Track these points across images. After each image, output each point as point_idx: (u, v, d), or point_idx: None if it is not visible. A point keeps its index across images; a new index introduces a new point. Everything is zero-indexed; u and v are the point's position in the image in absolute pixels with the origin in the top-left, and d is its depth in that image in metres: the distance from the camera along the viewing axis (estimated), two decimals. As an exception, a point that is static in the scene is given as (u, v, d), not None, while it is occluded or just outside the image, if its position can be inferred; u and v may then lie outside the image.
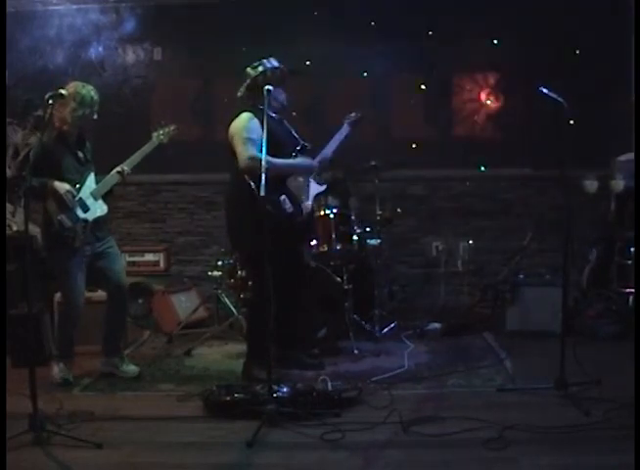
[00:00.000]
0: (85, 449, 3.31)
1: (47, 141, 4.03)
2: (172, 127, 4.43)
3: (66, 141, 4.18)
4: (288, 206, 4.19)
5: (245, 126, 4.17)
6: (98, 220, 4.28)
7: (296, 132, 4.36)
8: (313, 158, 4.43)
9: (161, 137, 4.41)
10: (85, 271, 4.27)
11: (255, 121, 4.14)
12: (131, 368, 4.47)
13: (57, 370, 4.31)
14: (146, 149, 4.37)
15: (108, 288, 4.40)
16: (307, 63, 5.91)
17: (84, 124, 4.21)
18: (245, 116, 4.20)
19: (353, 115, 4.81)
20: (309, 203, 4.37)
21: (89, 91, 4.14)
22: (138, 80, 6.27)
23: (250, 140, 4.13)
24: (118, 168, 4.32)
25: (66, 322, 4.36)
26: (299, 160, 4.24)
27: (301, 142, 4.30)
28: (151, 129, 4.42)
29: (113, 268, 4.38)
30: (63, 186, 4.08)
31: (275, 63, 4.32)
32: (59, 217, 4.10)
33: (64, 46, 6.13)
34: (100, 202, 4.29)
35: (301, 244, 4.36)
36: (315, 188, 4.44)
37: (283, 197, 4.19)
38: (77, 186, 4.18)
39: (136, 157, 4.35)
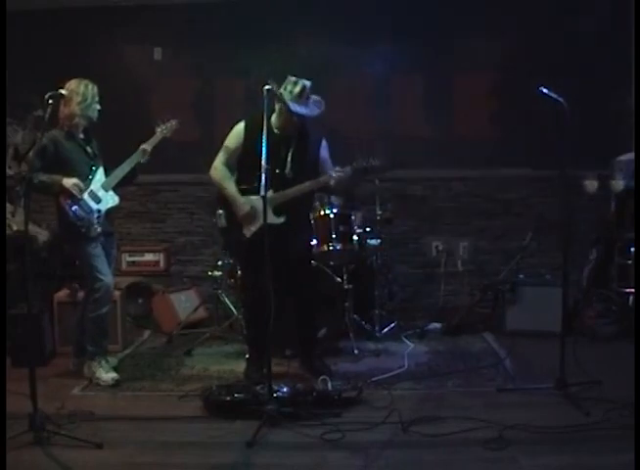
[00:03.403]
0: (85, 449, 3.31)
1: (59, 138, 4.22)
2: (174, 122, 4.52)
3: (75, 137, 4.30)
4: (220, 221, 4.39)
5: (230, 133, 4.30)
6: (110, 211, 4.42)
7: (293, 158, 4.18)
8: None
9: (165, 132, 4.50)
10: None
11: (237, 129, 4.22)
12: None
13: (103, 372, 4.30)
14: (151, 142, 4.46)
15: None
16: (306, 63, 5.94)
17: (92, 117, 4.32)
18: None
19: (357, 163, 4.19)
20: (252, 228, 4.19)
21: (87, 84, 4.29)
22: (138, 80, 6.28)
23: (223, 148, 4.30)
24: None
25: (99, 309, 4.33)
26: (236, 196, 4.19)
27: (285, 171, 4.16)
28: (153, 126, 4.50)
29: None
30: (70, 180, 4.20)
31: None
32: (73, 208, 4.21)
33: (64, 46, 6.13)
34: (111, 193, 4.42)
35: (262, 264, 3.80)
36: (269, 218, 3.99)
37: (220, 211, 4.37)
38: (90, 178, 4.32)
39: (150, 142, 4.47)
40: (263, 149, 3.67)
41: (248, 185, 4.13)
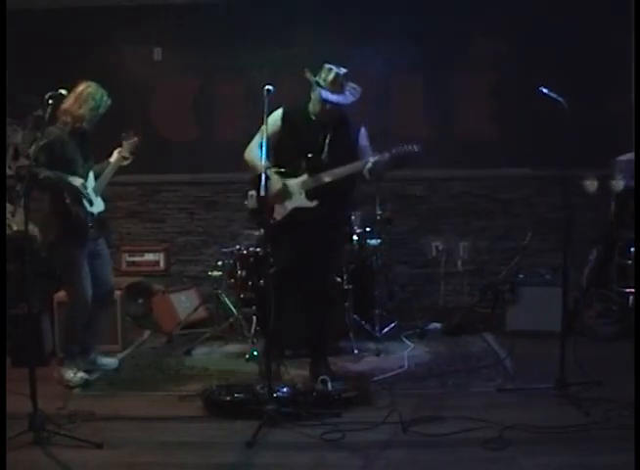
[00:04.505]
0: (85, 449, 3.31)
1: (64, 137, 4.16)
2: (136, 139, 4.45)
3: (77, 138, 4.25)
4: (251, 202, 4.39)
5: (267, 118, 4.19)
6: (99, 216, 4.36)
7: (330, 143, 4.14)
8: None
9: (130, 147, 4.43)
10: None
11: (275, 114, 4.16)
12: (109, 361, 4.57)
13: (71, 374, 4.29)
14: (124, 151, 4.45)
15: (98, 289, 4.42)
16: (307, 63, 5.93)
17: (94, 123, 4.27)
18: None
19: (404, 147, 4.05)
20: (283, 210, 4.14)
21: (104, 94, 4.26)
22: (138, 80, 6.28)
23: (259, 132, 4.18)
24: (124, 153, 4.40)
25: (76, 319, 4.34)
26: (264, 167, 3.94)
27: (322, 156, 4.11)
28: (122, 138, 4.44)
29: (105, 270, 4.49)
30: (77, 180, 4.18)
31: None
32: (75, 208, 4.16)
33: (64, 46, 6.13)
34: (99, 198, 4.37)
35: (291, 246, 4.11)
36: (302, 201, 4.12)
37: (251, 193, 4.38)
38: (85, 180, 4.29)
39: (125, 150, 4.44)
40: (264, 147, 3.69)
41: (285, 168, 4.13)
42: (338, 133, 4.17)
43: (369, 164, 4.05)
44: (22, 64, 6.07)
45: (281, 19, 6.12)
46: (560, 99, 3.89)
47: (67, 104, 4.13)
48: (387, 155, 4.05)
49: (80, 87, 4.19)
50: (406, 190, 6.25)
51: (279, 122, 4.16)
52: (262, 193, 3.62)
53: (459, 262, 6.14)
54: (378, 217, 5.29)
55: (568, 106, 3.86)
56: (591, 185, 5.38)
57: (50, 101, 3.58)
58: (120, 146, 4.42)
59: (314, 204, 4.12)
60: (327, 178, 4.11)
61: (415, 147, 4.07)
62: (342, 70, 4.10)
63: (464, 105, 6.13)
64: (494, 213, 6.23)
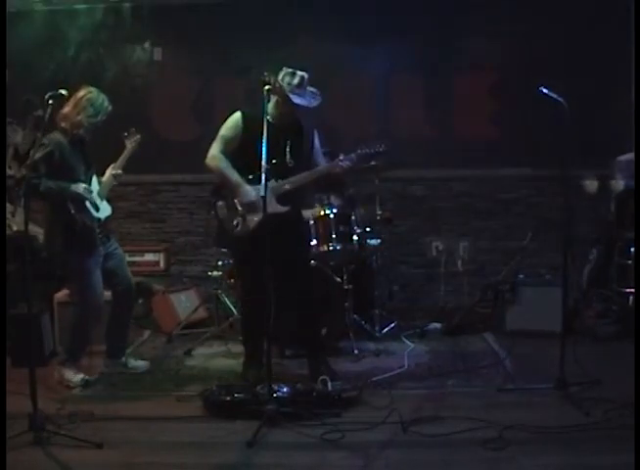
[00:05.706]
0: (85, 449, 3.32)
1: (63, 143, 4.10)
2: (138, 136, 4.47)
3: (76, 145, 4.20)
4: (221, 213, 4.21)
5: (225, 123, 4.19)
6: (107, 220, 4.36)
7: (292, 147, 4.14)
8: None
9: (133, 145, 4.46)
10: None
11: (234, 118, 4.13)
12: (140, 363, 4.56)
13: (72, 374, 4.29)
14: (126, 155, 4.47)
15: (118, 288, 4.45)
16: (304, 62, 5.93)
17: (92, 129, 4.24)
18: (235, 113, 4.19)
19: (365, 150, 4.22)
20: (255, 218, 4.04)
21: (104, 99, 4.22)
22: (138, 80, 6.28)
23: (220, 137, 4.17)
24: (114, 172, 4.44)
25: (83, 324, 4.33)
26: (241, 183, 4.03)
27: (286, 159, 4.10)
28: (124, 137, 4.46)
29: (122, 268, 4.50)
30: (80, 186, 4.14)
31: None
32: (80, 216, 4.13)
33: (64, 46, 6.13)
34: (105, 202, 4.37)
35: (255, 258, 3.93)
36: (273, 207, 3.98)
37: (220, 203, 4.23)
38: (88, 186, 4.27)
39: (120, 162, 4.45)
40: (264, 148, 3.64)
41: (247, 176, 4.06)
42: (297, 136, 4.17)
43: (338, 169, 4.15)
44: (22, 64, 6.07)
45: (281, 18, 6.12)
46: (560, 99, 3.89)
47: (66, 109, 4.10)
48: (353, 156, 4.16)
49: (81, 93, 4.15)
50: (406, 190, 6.25)
51: (240, 126, 4.09)
52: (262, 193, 3.61)
53: (459, 262, 6.14)
54: (378, 217, 5.28)
55: (568, 106, 3.86)
56: (591, 185, 5.39)
57: (50, 101, 3.58)
58: (124, 146, 4.44)
59: (286, 209, 4.09)
60: (300, 182, 4.12)
61: (381, 147, 4.17)
62: (306, 74, 4.08)
63: (464, 105, 6.13)
64: (494, 213, 6.23)
